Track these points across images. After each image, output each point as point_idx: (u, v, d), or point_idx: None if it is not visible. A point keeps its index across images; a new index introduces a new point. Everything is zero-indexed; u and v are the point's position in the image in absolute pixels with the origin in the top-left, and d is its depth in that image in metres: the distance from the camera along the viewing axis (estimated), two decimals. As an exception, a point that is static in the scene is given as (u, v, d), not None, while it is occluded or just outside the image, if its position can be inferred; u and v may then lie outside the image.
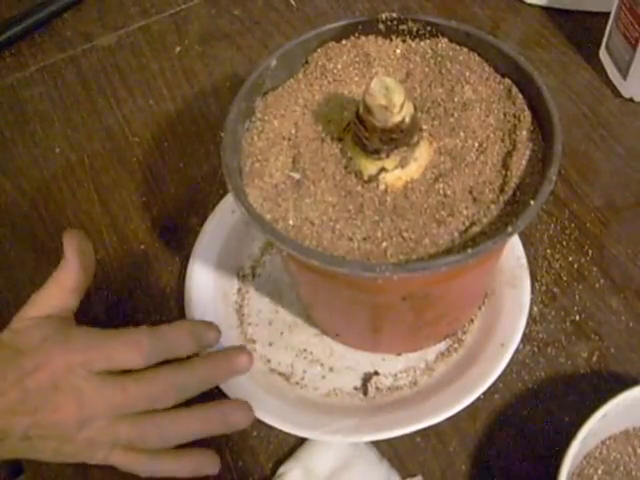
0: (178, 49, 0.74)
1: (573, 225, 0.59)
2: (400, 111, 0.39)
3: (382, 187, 0.42)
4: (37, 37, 0.77)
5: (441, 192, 0.41)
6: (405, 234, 0.40)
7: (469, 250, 0.37)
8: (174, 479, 0.47)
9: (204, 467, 0.48)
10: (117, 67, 0.73)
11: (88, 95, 0.71)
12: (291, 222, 0.41)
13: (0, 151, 0.68)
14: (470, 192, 0.41)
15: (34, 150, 0.68)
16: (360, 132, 0.40)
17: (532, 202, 0.38)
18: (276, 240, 0.38)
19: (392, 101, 0.38)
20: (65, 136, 0.69)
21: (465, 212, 0.40)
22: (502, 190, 0.41)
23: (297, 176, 0.43)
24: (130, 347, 0.46)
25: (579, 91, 0.67)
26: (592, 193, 0.61)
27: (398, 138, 0.40)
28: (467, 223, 0.40)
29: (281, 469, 0.49)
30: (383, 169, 0.41)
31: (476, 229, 0.39)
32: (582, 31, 0.72)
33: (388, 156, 0.41)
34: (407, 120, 0.39)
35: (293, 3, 0.76)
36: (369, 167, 0.42)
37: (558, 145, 0.40)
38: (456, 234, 0.39)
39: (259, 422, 0.49)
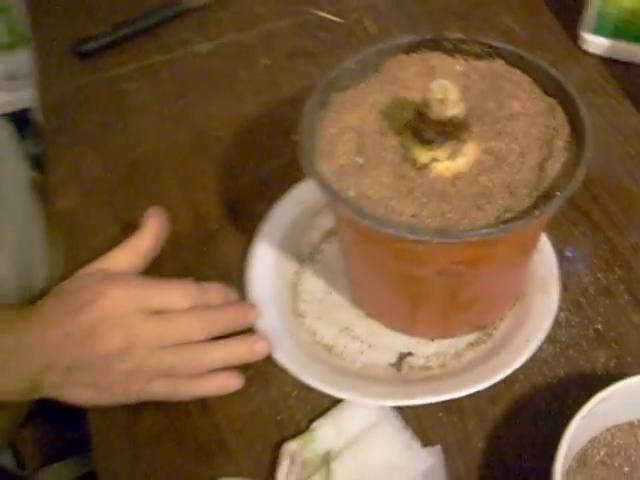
0: (265, 61, 0.82)
1: (605, 247, 0.64)
2: (454, 107, 0.45)
3: (432, 175, 0.48)
4: (141, 40, 0.86)
5: (483, 184, 0.48)
6: (448, 215, 0.46)
7: (500, 225, 0.43)
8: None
9: (231, 384, 0.55)
10: (209, 72, 0.82)
11: (180, 93, 0.80)
12: (351, 194, 0.47)
13: (98, 133, 0.77)
14: (508, 187, 0.47)
15: (127, 135, 0.76)
16: (418, 124, 0.47)
17: (558, 193, 0.44)
18: (339, 202, 0.45)
19: (448, 97, 0.45)
20: (156, 126, 0.77)
21: (501, 202, 0.46)
22: (536, 188, 0.47)
23: (360, 160, 0.50)
24: (179, 292, 0.54)
25: (626, 133, 0.73)
26: (629, 224, 0.66)
27: (450, 131, 0.46)
28: (502, 210, 0.46)
29: (315, 424, 0.55)
30: (435, 159, 0.48)
31: (509, 215, 0.45)
32: (635, 81, 0.77)
33: (440, 147, 0.47)
34: (459, 115, 0.46)
35: (371, 30, 0.84)
36: (423, 156, 0.48)
37: (587, 152, 0.46)
38: (492, 218, 0.46)
39: (300, 385, 0.56)
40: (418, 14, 0.87)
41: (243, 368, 0.56)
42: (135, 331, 0.52)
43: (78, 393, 0.55)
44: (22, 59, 1.15)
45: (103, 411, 0.57)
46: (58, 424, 1.13)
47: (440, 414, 0.56)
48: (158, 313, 0.54)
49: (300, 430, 0.55)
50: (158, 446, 0.56)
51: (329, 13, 0.88)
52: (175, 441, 0.56)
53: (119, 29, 0.86)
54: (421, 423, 0.55)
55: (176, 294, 0.54)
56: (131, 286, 0.54)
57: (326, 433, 0.54)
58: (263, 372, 0.58)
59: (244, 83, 0.80)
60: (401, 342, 0.59)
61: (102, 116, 0.79)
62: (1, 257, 0.72)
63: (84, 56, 0.85)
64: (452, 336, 0.59)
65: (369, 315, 0.61)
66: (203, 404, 0.57)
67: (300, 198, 0.67)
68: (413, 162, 0.49)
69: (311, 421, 0.56)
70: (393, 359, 0.58)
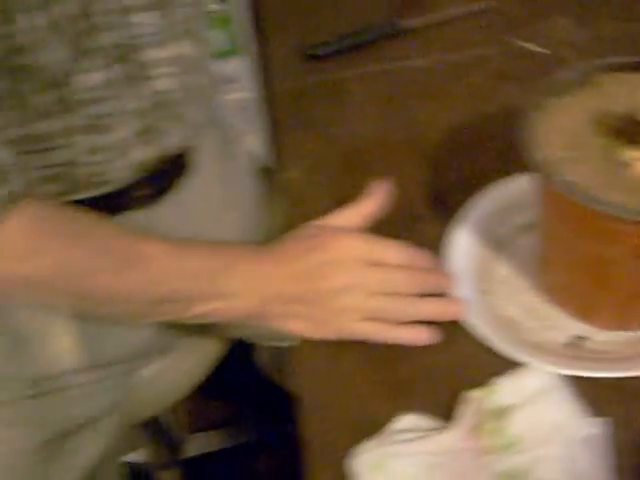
0: (475, 80, 0.92)
1: None
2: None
3: (636, 172, 0.56)
4: (363, 51, 0.98)
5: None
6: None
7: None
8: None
9: (424, 337, 0.64)
10: (423, 84, 0.92)
11: (396, 99, 0.91)
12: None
13: (321, 124, 0.89)
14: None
15: (347, 128, 0.88)
16: (629, 127, 0.55)
17: None
18: (556, 182, 0.54)
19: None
20: (373, 123, 0.88)
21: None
22: None
23: (573, 154, 0.58)
24: (397, 250, 0.64)
25: None
26: None
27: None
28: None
29: (495, 381, 0.63)
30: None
31: None
32: None
33: (645, 148, 0.55)
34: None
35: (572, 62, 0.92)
36: (628, 155, 0.56)
37: None
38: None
39: (485, 348, 0.64)
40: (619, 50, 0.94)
41: (438, 326, 0.65)
42: (356, 275, 0.63)
43: (295, 324, 0.65)
44: (236, 64, 1.32)
45: (311, 345, 0.67)
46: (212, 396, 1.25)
47: (611, 391, 0.62)
48: (376, 265, 0.64)
49: (482, 385, 0.63)
50: (352, 381, 0.66)
51: (533, 44, 0.97)
52: (368, 379, 0.66)
53: (344, 39, 0.98)
54: (591, 396, 0.62)
55: (394, 251, 0.64)
56: (357, 237, 0.64)
57: (505, 389, 0.62)
58: (453, 332, 0.66)
59: (455, 97, 0.90)
60: (582, 327, 0.66)
61: (326, 110, 0.91)
62: (232, 219, 0.84)
63: (313, 59, 0.97)
64: (632, 329, 0.65)
65: (552, 300, 0.68)
66: (398, 349, 0.66)
67: (496, 195, 0.75)
68: (618, 160, 0.57)
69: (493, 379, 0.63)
70: (571, 340, 0.65)
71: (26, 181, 0.58)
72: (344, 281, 0.62)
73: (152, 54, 0.65)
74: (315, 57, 0.98)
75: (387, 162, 0.83)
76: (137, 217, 0.71)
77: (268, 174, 0.95)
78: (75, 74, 0.60)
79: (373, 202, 0.68)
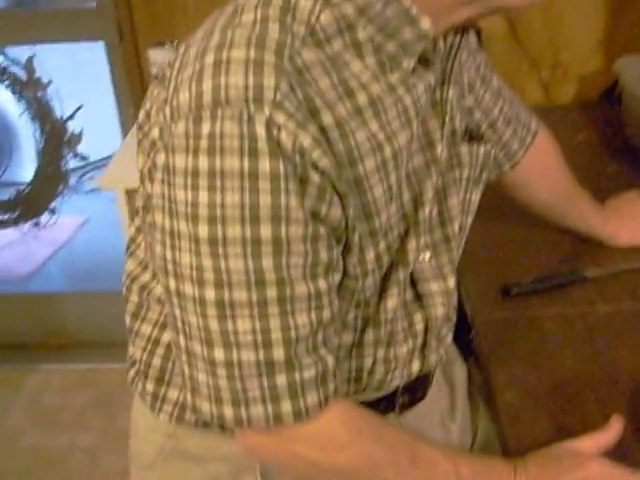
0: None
1: None
2: None
3: None
4: (555, 292, 1.12)
5: None
6: None
7: None
8: None
9: None
10: (608, 328, 1.04)
11: (586, 340, 1.03)
12: None
13: (526, 353, 1.01)
14: None
15: (552, 360, 0.99)
16: None
17: None
18: None
19: None
20: (573, 360, 1.00)
21: None
22: None
23: None
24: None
25: None
26: None
27: None
28: None
29: None
30: None
31: None
32: None
33: None
34: None
35: None
36: None
37: None
38: None
39: None
40: None
41: None
42: None
43: None
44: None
45: None
46: None
47: None
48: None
49: None
50: None
51: None
52: None
53: (538, 282, 1.13)
54: None
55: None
56: (603, 464, 0.74)
57: None
58: None
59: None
60: None
61: (527, 342, 1.03)
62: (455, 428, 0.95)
63: (507, 295, 1.11)
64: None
65: None
66: None
67: None
68: None
69: None
70: None
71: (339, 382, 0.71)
72: None
73: (430, 286, 0.81)
74: (508, 294, 1.12)
75: (591, 396, 0.94)
76: (393, 420, 0.83)
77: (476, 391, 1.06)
78: (381, 300, 0.76)
79: (613, 433, 0.78)
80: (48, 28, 1.95)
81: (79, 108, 2.41)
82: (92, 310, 2.33)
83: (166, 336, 0.79)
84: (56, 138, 2.44)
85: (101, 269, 2.47)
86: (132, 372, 0.85)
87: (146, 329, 0.81)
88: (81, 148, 2.46)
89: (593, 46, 1.77)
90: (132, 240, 0.82)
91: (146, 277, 0.80)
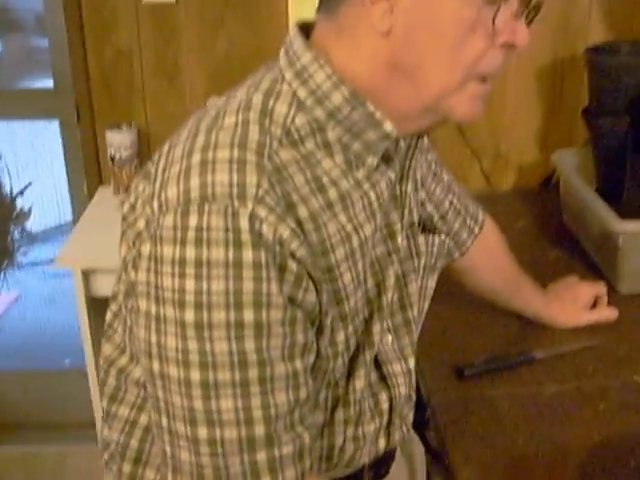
0: (600, 406, 1.10)
1: None
2: None
3: None
4: (505, 372, 1.17)
5: None
6: None
7: None
8: None
9: None
10: (555, 407, 1.10)
11: (535, 419, 1.08)
12: None
13: (481, 430, 1.05)
14: None
15: (505, 444, 1.04)
16: None
17: None
18: None
19: None
20: (525, 433, 1.05)
21: None
22: None
23: None
24: None
25: None
26: None
27: None
28: None
29: None
30: None
31: None
32: None
33: None
34: None
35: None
36: None
37: None
38: None
39: None
40: None
41: None
42: None
43: None
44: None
45: None
46: None
47: None
48: None
49: None
50: None
51: (643, 379, 1.17)
52: None
53: (489, 363, 1.19)
54: None
55: None
56: None
57: None
58: None
59: (583, 421, 1.07)
60: None
61: (482, 421, 1.08)
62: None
63: (464, 376, 1.17)
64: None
65: None
66: None
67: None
68: None
69: None
70: None
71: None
72: None
73: (393, 367, 0.86)
74: (462, 374, 1.17)
75: (544, 473, 0.99)
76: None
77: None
78: (350, 380, 0.80)
79: None
80: (5, 106, 1.98)
81: (29, 185, 2.42)
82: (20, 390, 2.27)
83: (144, 418, 0.82)
84: (3, 214, 2.44)
85: (31, 346, 2.43)
86: (107, 455, 0.87)
87: (124, 411, 0.83)
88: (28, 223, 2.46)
89: (532, 138, 1.88)
90: (109, 325, 0.85)
91: (123, 361, 0.82)
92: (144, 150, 1.83)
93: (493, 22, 0.72)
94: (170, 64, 1.79)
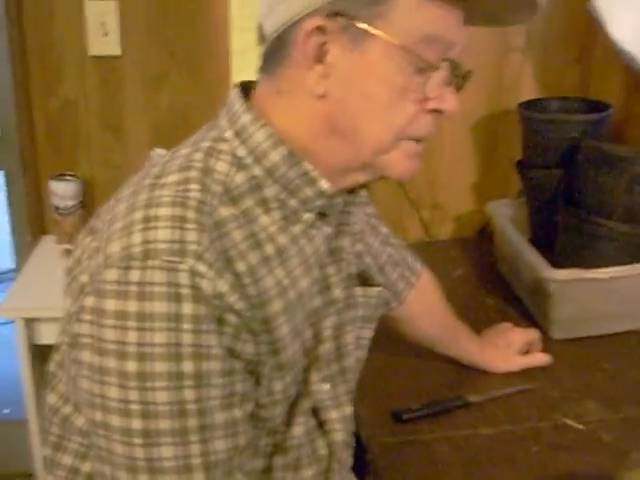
0: (533, 447, 1.14)
1: None
2: None
3: None
4: (441, 417, 1.21)
5: None
6: None
7: None
8: None
9: None
10: (490, 450, 1.14)
11: (470, 461, 1.12)
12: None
13: (416, 476, 1.08)
14: None
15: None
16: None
17: None
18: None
19: None
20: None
21: None
22: None
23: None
24: None
25: None
26: None
27: None
28: None
29: None
30: None
31: None
32: None
33: None
34: None
35: (605, 438, 1.15)
36: None
37: None
38: None
39: None
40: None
41: None
42: None
43: None
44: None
45: None
46: None
47: None
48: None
49: None
50: None
51: (575, 422, 1.21)
52: None
53: (426, 407, 1.22)
54: None
55: None
56: None
57: None
58: None
59: (518, 462, 1.11)
60: None
61: (419, 464, 1.12)
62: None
63: (402, 420, 1.20)
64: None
65: None
66: None
67: None
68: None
69: None
70: None
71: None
72: None
73: (331, 414, 0.89)
74: (399, 419, 1.20)
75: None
76: None
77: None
78: (289, 427, 0.83)
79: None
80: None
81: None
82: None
83: (86, 466, 0.82)
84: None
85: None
86: None
87: (67, 460, 0.84)
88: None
89: (468, 189, 1.95)
90: (53, 375, 0.86)
91: (67, 410, 0.83)
92: (88, 200, 1.84)
93: (423, 89, 0.77)
94: (115, 115, 1.81)
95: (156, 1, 1.73)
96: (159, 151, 1.57)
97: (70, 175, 1.83)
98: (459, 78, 0.81)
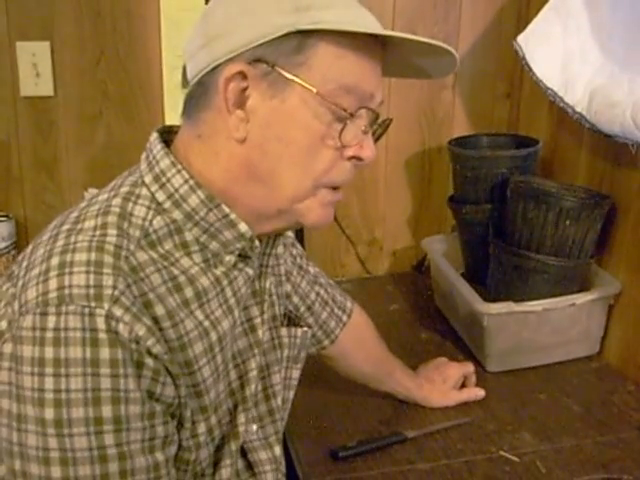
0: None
1: None
2: None
3: None
4: (377, 454, 1.21)
5: None
6: None
7: None
8: None
9: None
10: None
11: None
12: None
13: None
14: None
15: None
16: None
17: None
18: None
19: None
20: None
21: None
22: None
23: None
24: None
25: None
26: None
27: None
28: None
29: None
30: None
31: None
32: None
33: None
34: None
35: (541, 469, 1.16)
36: None
37: None
38: None
39: None
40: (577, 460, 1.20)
41: None
42: None
43: None
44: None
45: None
46: None
47: None
48: None
49: None
50: None
51: (510, 454, 1.22)
52: None
53: (362, 444, 1.22)
54: None
55: None
56: None
57: None
58: None
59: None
60: None
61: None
62: None
63: (338, 458, 1.19)
64: None
65: None
66: None
67: None
68: None
69: None
70: None
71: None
72: None
73: (259, 455, 0.88)
74: (336, 457, 1.20)
75: None
76: None
77: None
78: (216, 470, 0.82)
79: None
80: None
81: None
82: None
83: None
84: None
85: None
86: None
87: None
88: None
89: (404, 224, 1.98)
90: None
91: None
92: (22, 241, 1.81)
93: (341, 137, 0.78)
94: (49, 155, 1.79)
95: (89, 41, 1.72)
96: (92, 191, 1.56)
97: (3, 216, 1.79)
98: (378, 126, 0.82)
